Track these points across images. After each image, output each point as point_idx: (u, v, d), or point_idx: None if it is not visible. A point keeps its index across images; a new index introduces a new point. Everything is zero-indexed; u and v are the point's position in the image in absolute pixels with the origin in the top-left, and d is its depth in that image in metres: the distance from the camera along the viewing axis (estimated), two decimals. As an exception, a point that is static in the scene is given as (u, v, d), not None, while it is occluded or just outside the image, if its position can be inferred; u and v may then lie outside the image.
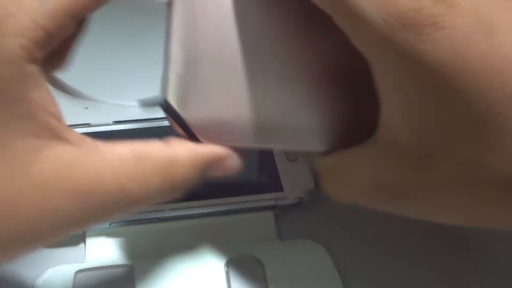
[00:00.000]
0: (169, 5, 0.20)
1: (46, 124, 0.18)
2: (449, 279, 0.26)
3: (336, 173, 0.22)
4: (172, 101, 0.20)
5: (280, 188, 0.28)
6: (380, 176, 0.20)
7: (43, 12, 0.18)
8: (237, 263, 0.26)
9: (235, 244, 0.26)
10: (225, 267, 0.26)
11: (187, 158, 0.20)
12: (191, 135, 0.21)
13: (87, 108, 0.32)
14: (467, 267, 0.27)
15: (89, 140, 0.19)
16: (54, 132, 0.18)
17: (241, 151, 0.22)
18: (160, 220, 0.27)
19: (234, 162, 0.22)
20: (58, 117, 0.18)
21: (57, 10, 0.18)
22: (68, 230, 0.19)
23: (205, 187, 0.28)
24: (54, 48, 0.20)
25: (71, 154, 0.18)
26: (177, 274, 0.25)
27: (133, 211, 0.20)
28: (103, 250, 0.26)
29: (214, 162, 0.21)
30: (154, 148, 0.20)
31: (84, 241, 0.26)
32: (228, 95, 0.20)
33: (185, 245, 0.26)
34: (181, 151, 0.20)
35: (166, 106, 0.20)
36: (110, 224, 0.26)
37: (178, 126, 0.21)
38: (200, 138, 0.21)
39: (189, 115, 0.20)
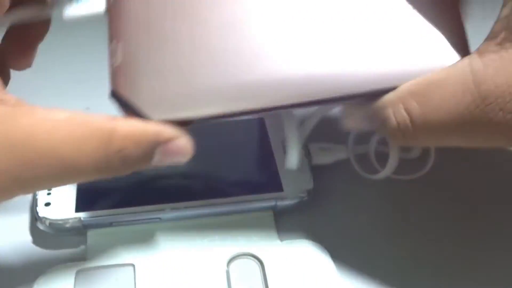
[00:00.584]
0: (106, 12, 0.22)
1: None
2: (448, 280, 0.26)
3: (433, 95, 0.20)
4: (115, 87, 0.21)
5: (280, 188, 0.28)
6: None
7: None
8: (237, 262, 0.26)
9: (235, 244, 0.27)
10: (225, 267, 0.26)
11: (127, 131, 0.20)
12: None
13: (87, 108, 0.32)
14: (468, 267, 0.27)
15: (26, 103, 0.19)
16: None
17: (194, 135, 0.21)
18: (161, 220, 0.27)
19: (185, 143, 0.21)
20: None
21: None
22: (8, 188, 0.19)
23: (205, 187, 0.28)
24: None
25: (3, 112, 0.18)
26: (177, 273, 0.25)
27: (74, 180, 0.20)
28: (104, 250, 0.26)
29: (162, 143, 0.20)
30: (94, 118, 0.20)
31: (85, 241, 0.27)
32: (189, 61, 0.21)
33: (185, 245, 0.26)
34: (122, 124, 0.20)
35: (113, 96, 0.21)
36: (111, 224, 0.27)
37: (130, 112, 0.21)
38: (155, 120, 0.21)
39: (137, 97, 0.21)
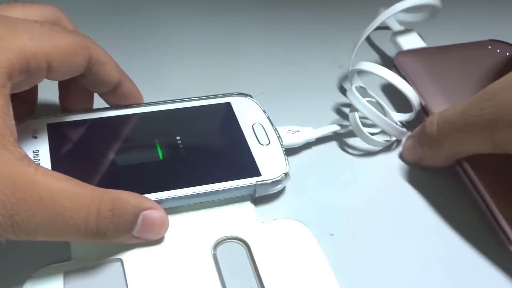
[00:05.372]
0: None
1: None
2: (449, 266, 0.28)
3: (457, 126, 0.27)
4: None
5: (258, 173, 0.29)
6: None
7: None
8: (224, 246, 0.27)
9: (219, 228, 0.27)
10: (212, 251, 0.26)
11: (117, 195, 0.24)
12: None
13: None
14: (467, 265, 0.28)
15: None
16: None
17: None
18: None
19: (163, 215, 0.26)
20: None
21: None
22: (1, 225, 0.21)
23: (184, 176, 0.28)
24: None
25: (13, 159, 0.22)
26: (165, 262, 0.26)
27: (62, 233, 0.22)
28: (89, 246, 0.26)
29: (145, 209, 0.25)
30: (86, 184, 0.24)
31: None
32: None
33: (170, 233, 0.27)
34: (111, 191, 0.24)
35: None
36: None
37: None
38: None
39: None
